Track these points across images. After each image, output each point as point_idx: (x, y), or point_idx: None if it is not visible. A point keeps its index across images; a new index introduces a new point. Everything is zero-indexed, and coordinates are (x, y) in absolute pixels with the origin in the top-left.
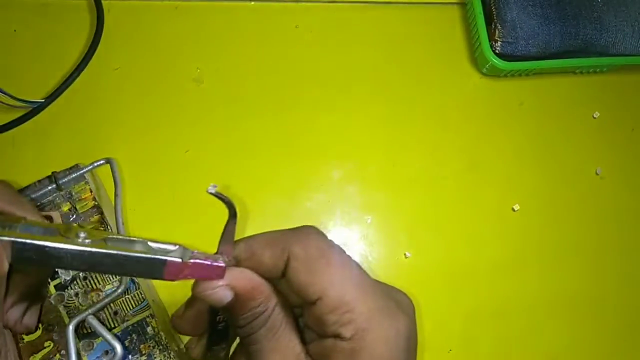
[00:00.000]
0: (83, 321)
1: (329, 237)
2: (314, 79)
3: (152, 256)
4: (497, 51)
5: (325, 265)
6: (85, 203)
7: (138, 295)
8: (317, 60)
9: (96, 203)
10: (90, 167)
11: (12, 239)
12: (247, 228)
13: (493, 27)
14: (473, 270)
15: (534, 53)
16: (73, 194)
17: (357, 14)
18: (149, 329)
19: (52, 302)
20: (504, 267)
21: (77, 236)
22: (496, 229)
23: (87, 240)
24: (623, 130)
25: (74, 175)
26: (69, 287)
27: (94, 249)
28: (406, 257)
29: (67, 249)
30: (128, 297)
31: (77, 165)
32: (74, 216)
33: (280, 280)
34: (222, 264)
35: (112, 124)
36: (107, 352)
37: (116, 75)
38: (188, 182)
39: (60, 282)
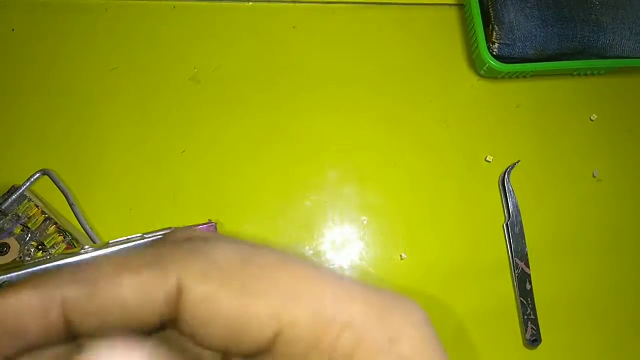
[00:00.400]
0: None
1: (326, 239)
2: (310, 80)
3: (156, 237)
4: (494, 53)
5: (263, 275)
6: (35, 219)
7: None
8: (314, 61)
9: (46, 215)
10: (28, 184)
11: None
12: (245, 228)
13: (490, 28)
14: (469, 271)
15: (532, 55)
16: (20, 215)
17: (354, 15)
18: None
19: None
20: (499, 269)
21: (83, 248)
22: (492, 231)
23: (89, 249)
24: (620, 133)
25: (14, 197)
26: None
27: (107, 250)
28: (402, 258)
29: (80, 259)
30: None
31: (13, 186)
32: (29, 235)
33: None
34: (214, 222)
35: (109, 124)
36: None
37: (113, 75)
38: (185, 182)
39: None
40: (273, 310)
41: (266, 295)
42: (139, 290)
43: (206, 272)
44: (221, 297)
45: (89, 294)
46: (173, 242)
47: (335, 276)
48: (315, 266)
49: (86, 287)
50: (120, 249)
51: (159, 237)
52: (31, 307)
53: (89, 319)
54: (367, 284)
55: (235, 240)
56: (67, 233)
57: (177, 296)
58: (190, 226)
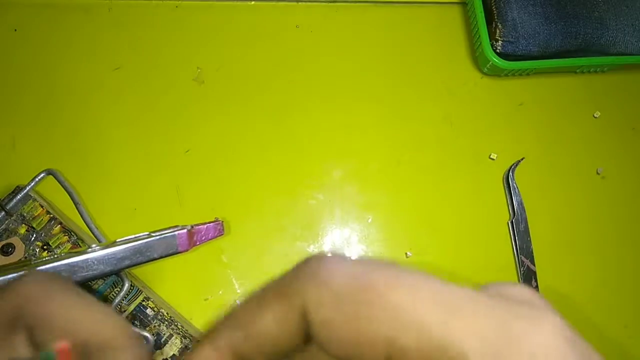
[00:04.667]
0: None
1: (330, 239)
2: (314, 79)
3: (164, 235)
4: (497, 50)
5: (374, 299)
6: (40, 219)
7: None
8: (317, 60)
9: (51, 215)
10: (33, 184)
11: (51, 265)
12: (250, 226)
13: (494, 26)
14: (474, 269)
15: (535, 52)
16: (25, 215)
17: (357, 14)
18: (148, 311)
19: None
20: (505, 267)
21: (90, 247)
22: (497, 229)
23: (97, 247)
24: (624, 130)
25: (18, 197)
26: None
27: (115, 248)
28: (407, 257)
29: (87, 258)
30: (117, 290)
31: (18, 186)
32: (34, 235)
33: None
34: (220, 220)
35: (113, 123)
36: None
37: (116, 74)
38: (189, 181)
39: None
40: (382, 336)
41: (377, 321)
42: (277, 323)
43: (322, 300)
44: (335, 323)
45: (245, 336)
46: (297, 269)
47: (449, 289)
48: (427, 278)
49: (241, 331)
50: (126, 247)
51: (167, 234)
52: (211, 358)
53: (252, 353)
54: (485, 291)
55: (349, 261)
56: (72, 233)
57: (305, 321)
58: (197, 224)
